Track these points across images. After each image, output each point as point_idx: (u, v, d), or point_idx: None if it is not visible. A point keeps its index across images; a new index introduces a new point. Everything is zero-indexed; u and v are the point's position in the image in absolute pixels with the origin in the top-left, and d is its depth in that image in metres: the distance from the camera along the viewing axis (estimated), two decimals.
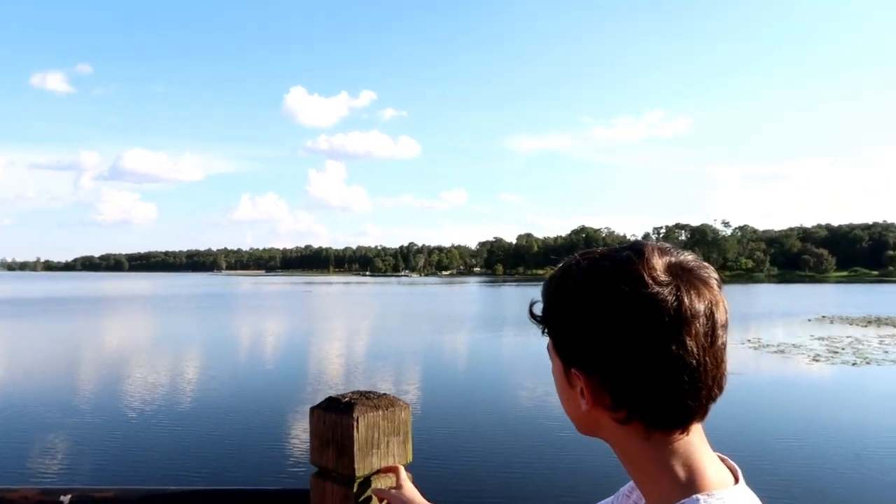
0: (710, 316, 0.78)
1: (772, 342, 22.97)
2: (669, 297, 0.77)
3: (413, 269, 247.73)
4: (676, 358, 0.76)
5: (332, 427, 1.46)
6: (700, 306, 0.78)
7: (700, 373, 0.77)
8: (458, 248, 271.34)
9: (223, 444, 10.24)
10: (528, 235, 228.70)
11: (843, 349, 21.20)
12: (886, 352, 20.60)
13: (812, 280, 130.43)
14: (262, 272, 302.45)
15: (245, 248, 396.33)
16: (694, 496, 0.78)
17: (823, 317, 35.30)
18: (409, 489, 1.40)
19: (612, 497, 1.05)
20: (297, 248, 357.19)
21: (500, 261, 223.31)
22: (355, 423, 1.42)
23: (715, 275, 0.83)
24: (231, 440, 10.48)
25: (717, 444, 0.85)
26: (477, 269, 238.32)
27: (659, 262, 0.79)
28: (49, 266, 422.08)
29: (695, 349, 0.77)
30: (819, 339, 24.29)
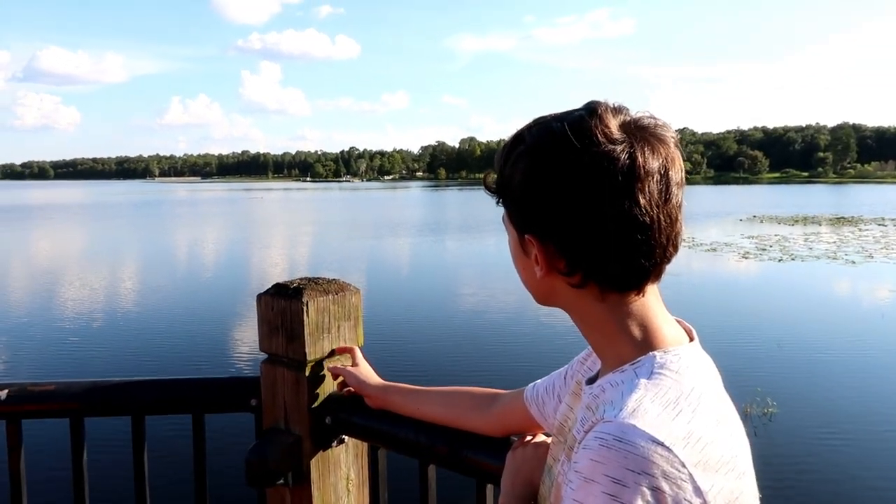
0: (665, 174, 0.76)
1: (705, 241, 23.89)
2: (622, 155, 0.74)
3: (355, 174, 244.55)
4: (630, 216, 0.74)
5: (280, 313, 1.43)
6: (654, 163, 0.75)
7: (654, 231, 0.76)
8: (400, 152, 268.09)
9: (169, 339, 10.25)
10: (471, 139, 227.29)
11: (770, 247, 22.25)
12: (810, 248, 21.74)
13: (746, 181, 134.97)
14: (198, 179, 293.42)
15: (178, 154, 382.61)
16: (650, 353, 0.78)
17: (754, 216, 36.81)
18: (365, 367, 1.40)
19: (566, 366, 1.06)
20: (233, 153, 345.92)
21: (443, 165, 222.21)
22: (305, 308, 1.39)
23: (672, 133, 0.80)
24: (177, 335, 10.50)
25: None
26: (419, 174, 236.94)
27: (613, 121, 0.76)
28: None
29: (648, 207, 0.75)
30: (749, 237, 25.38)
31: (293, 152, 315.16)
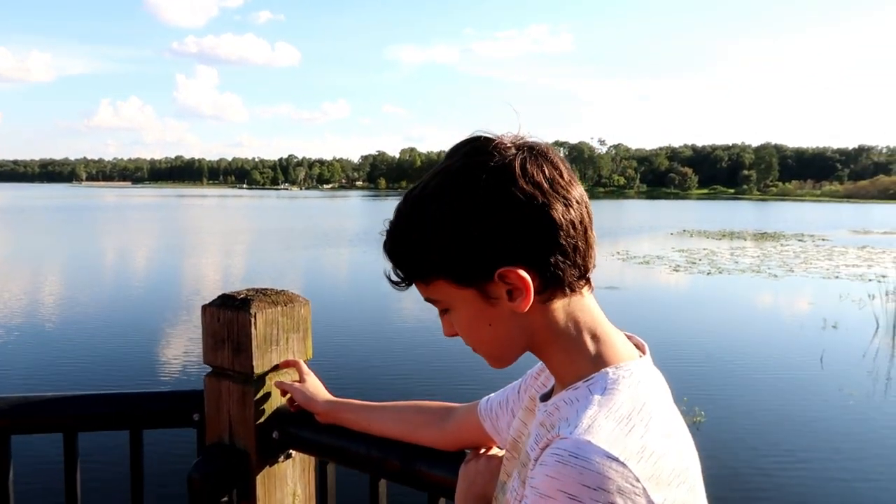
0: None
1: (638, 254, 24.58)
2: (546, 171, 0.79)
3: (293, 183, 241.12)
4: (572, 220, 0.79)
5: (226, 324, 1.39)
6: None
7: (587, 233, 0.81)
8: (340, 161, 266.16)
9: (105, 351, 9.81)
10: (412, 149, 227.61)
11: (700, 260, 23.06)
12: (736, 262, 22.64)
13: (676, 197, 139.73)
14: (129, 184, 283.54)
15: (108, 157, 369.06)
16: (603, 369, 0.79)
17: (685, 231, 38.12)
18: (312, 381, 1.38)
19: (520, 380, 1.07)
20: (166, 158, 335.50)
21: (383, 175, 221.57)
22: (253, 320, 1.36)
23: None
24: (114, 347, 10.06)
25: None
26: (359, 183, 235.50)
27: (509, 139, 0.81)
28: None
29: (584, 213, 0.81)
30: (680, 251, 26.26)
31: (230, 158, 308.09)
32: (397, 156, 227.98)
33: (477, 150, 0.80)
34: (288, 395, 1.39)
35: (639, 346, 0.88)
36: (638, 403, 0.75)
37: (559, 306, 0.82)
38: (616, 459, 0.68)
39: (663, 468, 0.71)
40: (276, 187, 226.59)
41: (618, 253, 24.96)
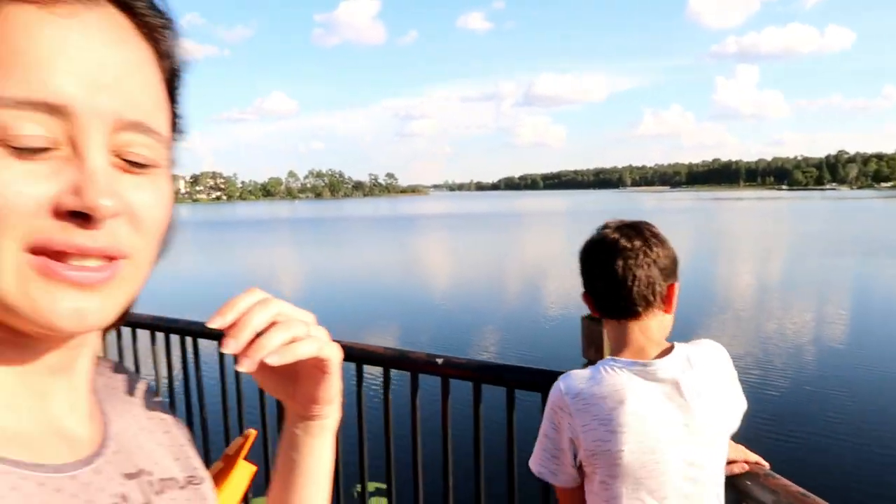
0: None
1: None
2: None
3: (842, 182, 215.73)
4: (625, 272, 1.36)
5: (592, 331, 2.04)
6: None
7: (633, 284, 1.35)
8: None
9: (534, 335, 12.03)
10: None
11: None
12: None
13: None
14: (667, 188, 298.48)
15: (650, 164, 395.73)
16: (606, 358, 1.37)
17: None
18: None
19: None
20: (703, 161, 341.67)
21: None
22: (605, 332, 1.97)
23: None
24: (543, 330, 12.24)
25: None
26: None
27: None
28: (479, 186, 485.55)
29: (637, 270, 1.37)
30: None
31: (769, 158, 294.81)
32: None
33: (599, 231, 1.44)
34: None
35: (667, 351, 1.36)
36: (598, 376, 1.33)
37: (612, 325, 1.41)
38: (560, 390, 1.33)
39: (590, 408, 1.29)
40: (820, 187, 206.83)
41: None
